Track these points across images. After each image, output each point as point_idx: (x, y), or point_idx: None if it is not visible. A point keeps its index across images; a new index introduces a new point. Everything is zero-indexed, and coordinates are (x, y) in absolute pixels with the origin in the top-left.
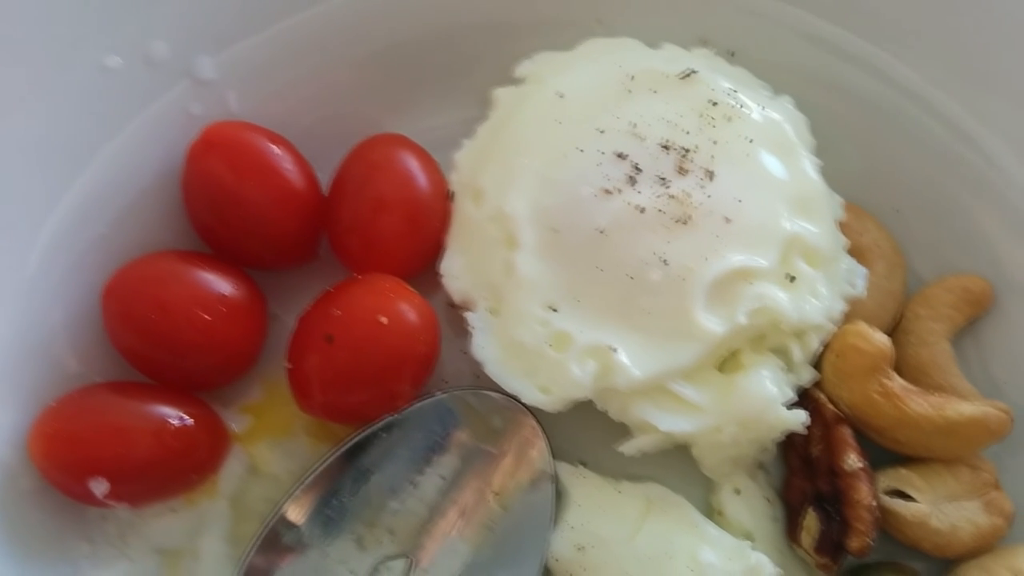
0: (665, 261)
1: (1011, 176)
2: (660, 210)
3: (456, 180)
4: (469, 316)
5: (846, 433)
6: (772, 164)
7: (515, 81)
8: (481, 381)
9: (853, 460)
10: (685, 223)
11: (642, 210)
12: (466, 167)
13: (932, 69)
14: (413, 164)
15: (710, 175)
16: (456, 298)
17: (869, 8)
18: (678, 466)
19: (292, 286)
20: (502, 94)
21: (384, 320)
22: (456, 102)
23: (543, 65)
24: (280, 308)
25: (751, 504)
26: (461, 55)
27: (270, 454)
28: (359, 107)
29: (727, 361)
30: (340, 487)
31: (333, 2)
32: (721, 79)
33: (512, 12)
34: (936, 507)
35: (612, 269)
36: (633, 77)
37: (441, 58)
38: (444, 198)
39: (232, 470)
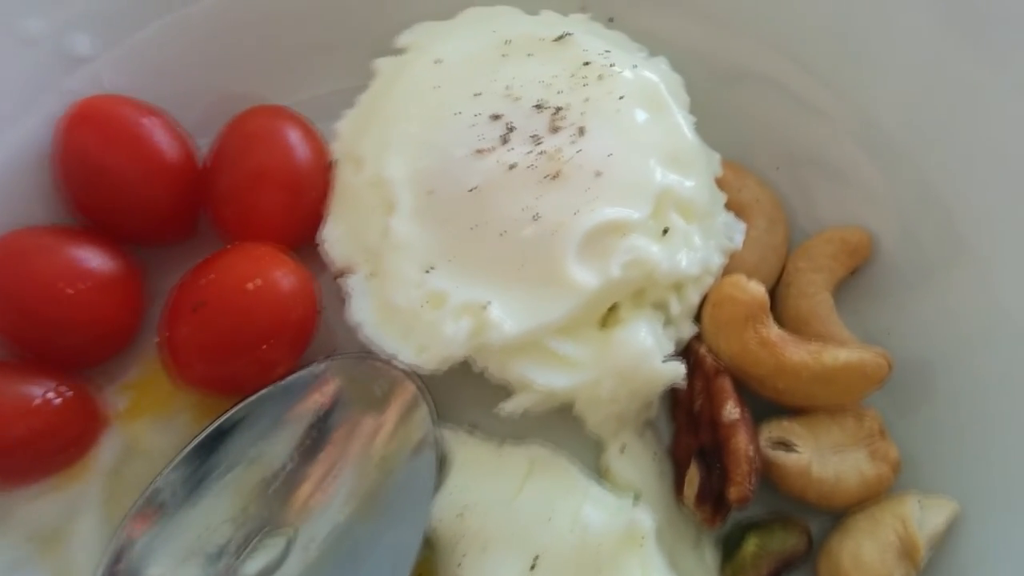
0: (536, 216)
1: (885, 130)
2: (531, 166)
3: (337, 149)
4: (347, 281)
5: (725, 383)
6: (644, 120)
7: (396, 51)
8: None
9: (731, 410)
10: (555, 178)
11: (513, 167)
12: (347, 136)
13: (802, 33)
14: (292, 134)
15: (581, 131)
16: (336, 264)
17: None
18: (570, 426)
19: (175, 262)
20: (382, 63)
21: (254, 286)
22: (340, 73)
23: (423, 34)
24: (163, 284)
25: (638, 462)
26: (344, 26)
27: (150, 431)
28: (241, 80)
29: (608, 316)
30: (217, 462)
31: None
32: (596, 41)
33: None
34: (819, 457)
35: (485, 227)
36: (509, 42)
37: (324, 29)
38: (325, 168)
39: (108, 449)
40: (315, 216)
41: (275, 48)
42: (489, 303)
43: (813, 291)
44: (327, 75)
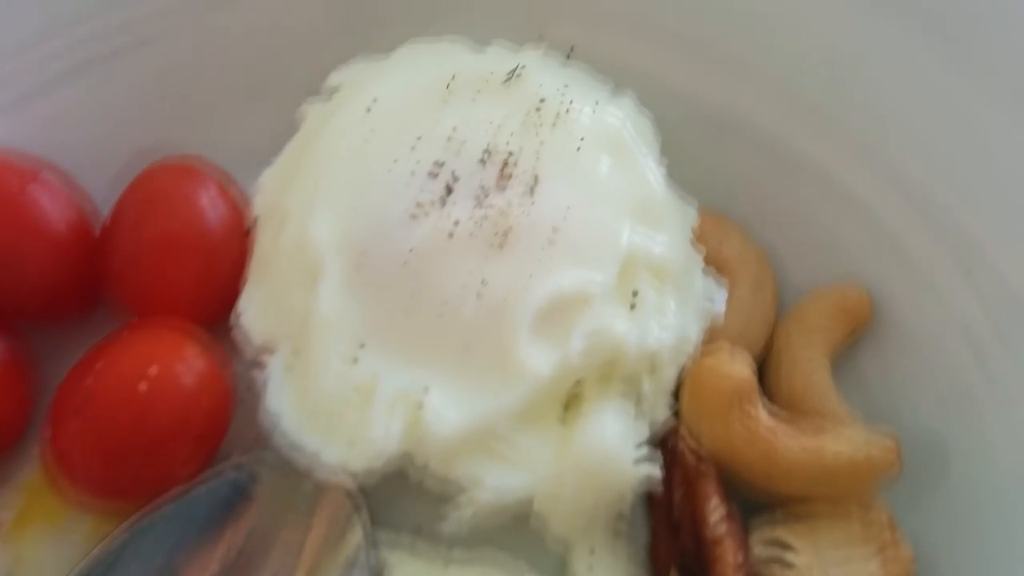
0: (482, 286)
1: (885, 173)
2: (476, 226)
3: (259, 205)
4: (266, 362)
5: (708, 479)
6: (607, 167)
7: (327, 93)
8: None
9: (716, 514)
10: (504, 238)
11: (455, 227)
12: (270, 190)
13: (790, 65)
14: (205, 192)
15: (535, 182)
16: (254, 344)
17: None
18: (530, 528)
19: (74, 343)
20: (311, 109)
21: (151, 375)
22: (266, 118)
23: (356, 74)
24: (60, 370)
25: (610, 567)
26: (270, 65)
27: (41, 544)
28: (154, 129)
29: (571, 403)
30: None
31: (112, 10)
32: (552, 77)
33: (326, 16)
34: (821, 566)
35: (423, 299)
36: (453, 80)
37: (248, 69)
38: (243, 231)
39: None
40: (231, 287)
41: (193, 92)
42: (427, 390)
43: (808, 362)
44: (253, 121)
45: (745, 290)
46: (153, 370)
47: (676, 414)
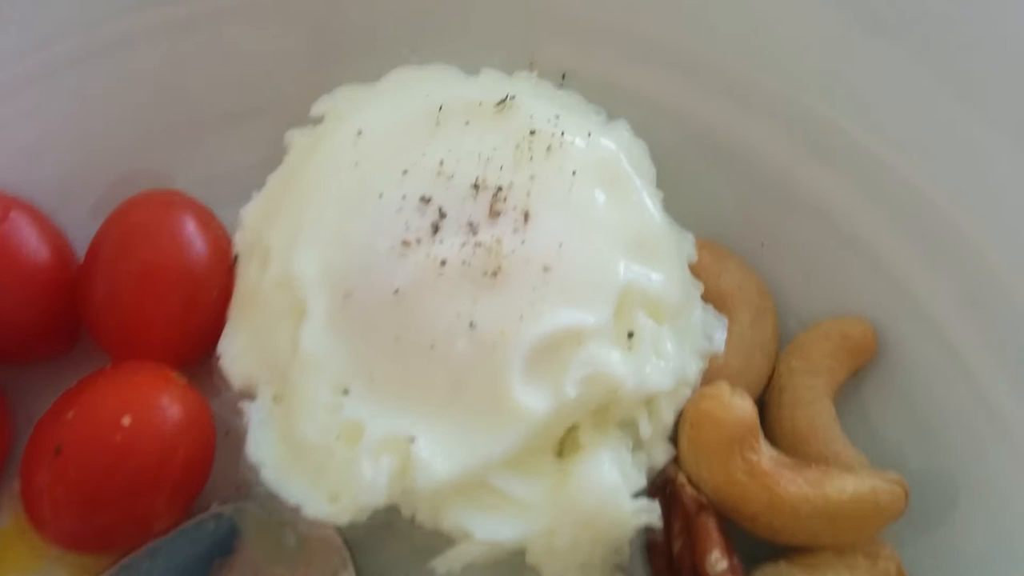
0: (472, 324)
1: (888, 197)
2: (465, 262)
3: (241, 240)
4: (247, 407)
5: (709, 523)
6: (602, 200)
7: (312, 121)
8: None
9: (719, 567)
10: (495, 276)
11: (444, 264)
12: (253, 224)
13: (789, 87)
14: (187, 225)
15: (526, 217)
16: (236, 384)
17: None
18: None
19: (51, 381)
20: (296, 136)
21: (127, 422)
22: (248, 147)
23: (343, 101)
24: (38, 409)
25: None
26: (253, 93)
27: None
28: (127, 159)
29: (567, 441)
30: None
31: (86, 34)
32: (543, 104)
33: (311, 42)
34: None
35: (411, 339)
36: (442, 108)
37: (229, 97)
38: (226, 266)
39: None
40: (213, 326)
41: (171, 121)
42: (415, 437)
43: (811, 399)
44: (234, 150)
45: (745, 324)
46: (128, 418)
47: (675, 457)
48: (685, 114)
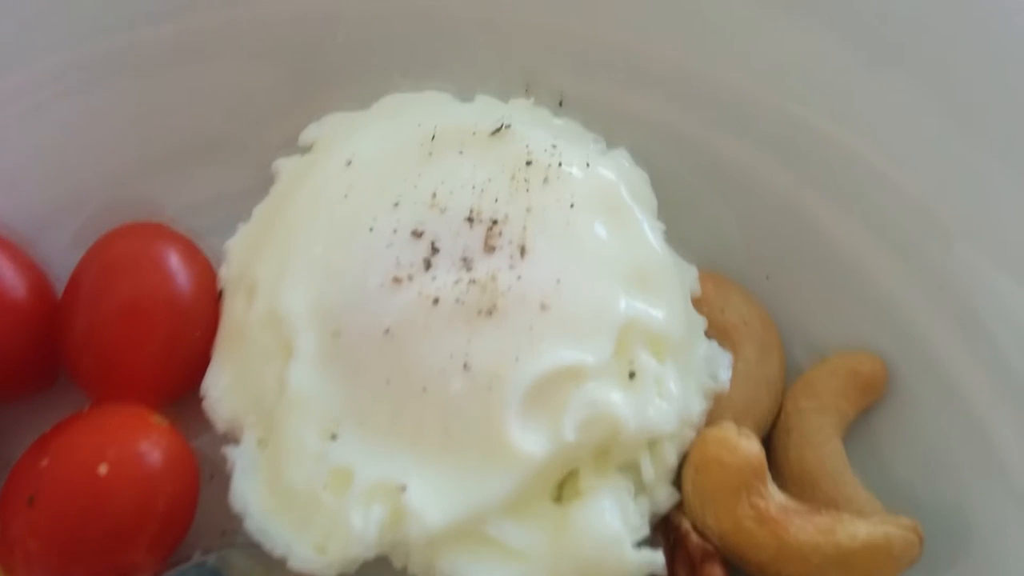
0: (466, 365)
1: (900, 227)
2: (459, 300)
3: (226, 274)
4: (231, 451)
5: (716, 573)
6: (601, 232)
7: (301, 149)
8: None
9: None
10: (491, 314)
11: (436, 302)
12: (239, 257)
13: (792, 123)
14: (171, 258)
15: (522, 251)
16: (221, 426)
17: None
18: None
19: (25, 422)
20: (284, 165)
21: (104, 471)
22: (234, 177)
23: (332, 128)
24: (12, 452)
25: None
26: (239, 120)
27: None
28: (109, 188)
29: (566, 484)
30: None
31: (71, 58)
32: (540, 133)
33: (300, 65)
34: None
35: (403, 380)
36: (435, 136)
37: (214, 124)
38: (211, 300)
39: None
40: (198, 363)
41: (155, 149)
42: (408, 481)
43: (820, 440)
44: (220, 180)
45: (751, 358)
46: (105, 467)
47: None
48: (687, 141)
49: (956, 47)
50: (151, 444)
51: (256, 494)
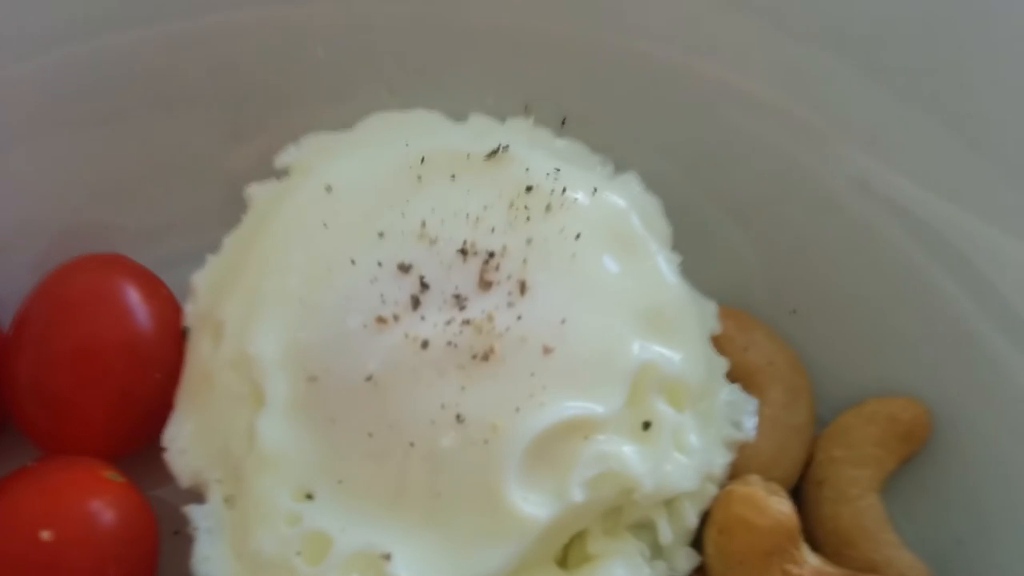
0: (459, 417)
1: (935, 253)
2: (451, 343)
3: (192, 311)
4: (193, 511)
5: None
6: (610, 266)
7: (276, 173)
8: None
9: None
10: (486, 359)
11: (425, 345)
12: (206, 292)
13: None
14: (130, 293)
15: (522, 287)
16: (184, 481)
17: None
18: None
19: None
20: (258, 191)
21: (48, 537)
22: (201, 204)
23: (311, 151)
24: None
25: None
26: (210, 140)
27: None
28: (69, 215)
29: (572, 547)
30: None
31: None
32: (541, 156)
33: (276, 80)
34: None
35: (386, 433)
36: (424, 160)
37: (183, 143)
38: (175, 339)
39: None
40: (158, 411)
41: (114, 175)
42: (390, 554)
43: (856, 494)
44: (186, 206)
45: (777, 405)
46: (48, 533)
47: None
48: (702, 165)
49: (963, 69)
50: (103, 504)
51: (221, 561)
